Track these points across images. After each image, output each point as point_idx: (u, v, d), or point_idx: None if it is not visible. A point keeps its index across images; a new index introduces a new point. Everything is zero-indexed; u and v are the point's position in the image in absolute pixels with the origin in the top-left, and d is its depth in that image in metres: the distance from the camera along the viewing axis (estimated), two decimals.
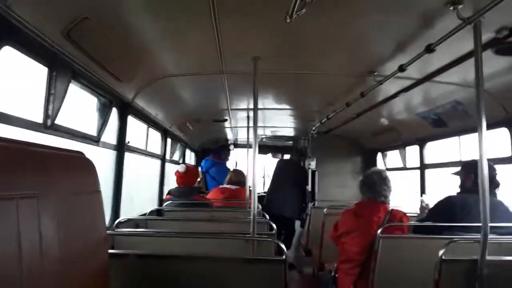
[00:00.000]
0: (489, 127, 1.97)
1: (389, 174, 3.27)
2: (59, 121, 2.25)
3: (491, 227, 1.97)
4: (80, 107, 2.80)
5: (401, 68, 2.73)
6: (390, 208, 3.03)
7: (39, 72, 2.12)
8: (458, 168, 3.16)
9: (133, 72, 3.02)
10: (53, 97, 2.17)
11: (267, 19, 2.20)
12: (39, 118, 2.12)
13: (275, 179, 6.41)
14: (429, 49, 2.31)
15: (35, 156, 1.35)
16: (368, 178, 3.20)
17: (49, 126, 2.17)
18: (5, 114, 1.80)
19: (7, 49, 1.76)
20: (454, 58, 2.62)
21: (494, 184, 2.77)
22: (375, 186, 3.13)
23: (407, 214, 3.13)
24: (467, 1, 1.85)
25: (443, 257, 2.12)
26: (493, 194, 2.75)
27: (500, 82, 2.80)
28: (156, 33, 2.48)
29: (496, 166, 2.84)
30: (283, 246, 2.26)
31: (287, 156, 8.04)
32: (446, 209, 2.90)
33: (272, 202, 5.99)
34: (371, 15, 2.14)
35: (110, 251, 1.88)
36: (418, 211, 3.63)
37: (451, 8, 1.90)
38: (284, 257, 2.14)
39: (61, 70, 2.20)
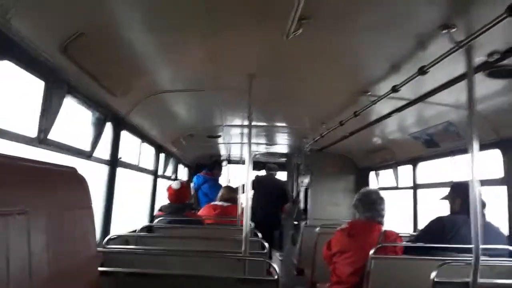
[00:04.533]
0: (481, 148, 1.98)
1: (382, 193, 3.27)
2: (52, 135, 2.23)
3: (483, 249, 1.96)
4: (74, 121, 2.78)
5: (395, 89, 2.75)
6: (384, 229, 3.02)
7: (33, 86, 2.11)
8: (448, 190, 3.16)
9: (128, 87, 3.02)
10: (48, 112, 2.15)
11: (263, 37, 2.23)
12: (33, 133, 2.11)
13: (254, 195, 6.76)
14: (422, 71, 2.33)
15: (26, 171, 1.34)
16: (367, 197, 3.17)
17: (42, 140, 2.15)
18: None
19: (3, 63, 1.75)
20: (446, 80, 2.65)
21: (481, 204, 2.78)
22: (375, 205, 3.11)
23: (400, 235, 3.13)
24: (460, 25, 1.89)
25: (435, 279, 2.11)
26: (482, 214, 2.75)
27: (492, 104, 2.84)
28: (152, 49, 2.49)
29: (488, 188, 2.85)
30: (275, 266, 2.25)
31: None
32: (436, 229, 2.91)
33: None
34: (365, 37, 2.17)
35: (100, 268, 1.85)
36: (410, 232, 3.62)
37: (444, 31, 1.93)
38: (276, 277, 2.13)
39: (57, 84, 2.19)
